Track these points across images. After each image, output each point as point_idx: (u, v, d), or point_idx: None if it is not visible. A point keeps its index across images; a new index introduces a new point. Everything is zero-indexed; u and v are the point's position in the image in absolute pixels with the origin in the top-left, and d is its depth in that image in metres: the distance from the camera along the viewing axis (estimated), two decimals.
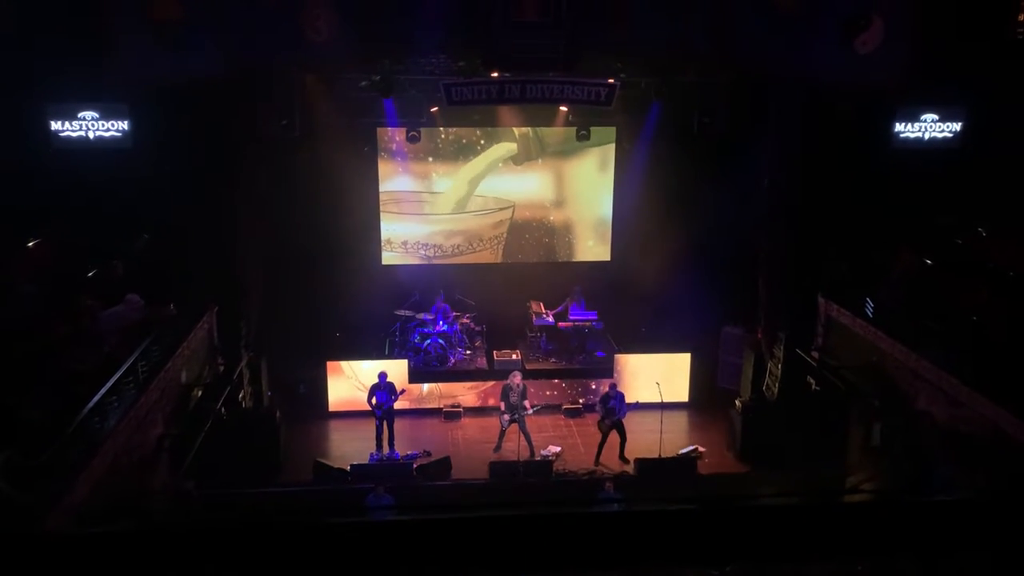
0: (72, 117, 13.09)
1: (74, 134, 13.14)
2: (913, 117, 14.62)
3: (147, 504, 10.35)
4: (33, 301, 10.73)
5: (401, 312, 16.94)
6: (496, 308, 17.35)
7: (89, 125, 13.16)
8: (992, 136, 14.59)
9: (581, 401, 16.08)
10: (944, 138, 14.70)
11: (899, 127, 14.64)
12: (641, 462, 13.53)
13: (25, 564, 3.01)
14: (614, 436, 14.04)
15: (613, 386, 14.44)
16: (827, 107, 13.45)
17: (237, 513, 10.41)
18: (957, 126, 14.70)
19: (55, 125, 13.08)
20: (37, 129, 13.00)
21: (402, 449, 14.40)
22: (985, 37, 14.23)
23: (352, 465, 13.31)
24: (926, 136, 14.69)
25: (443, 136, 17.40)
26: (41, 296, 10.90)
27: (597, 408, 14.36)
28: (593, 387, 16.16)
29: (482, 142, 17.58)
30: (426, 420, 15.75)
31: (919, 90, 14.01)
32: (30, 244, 12.33)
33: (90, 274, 12.31)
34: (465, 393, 16.16)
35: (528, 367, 16.09)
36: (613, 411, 13.92)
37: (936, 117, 14.61)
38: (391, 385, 14.25)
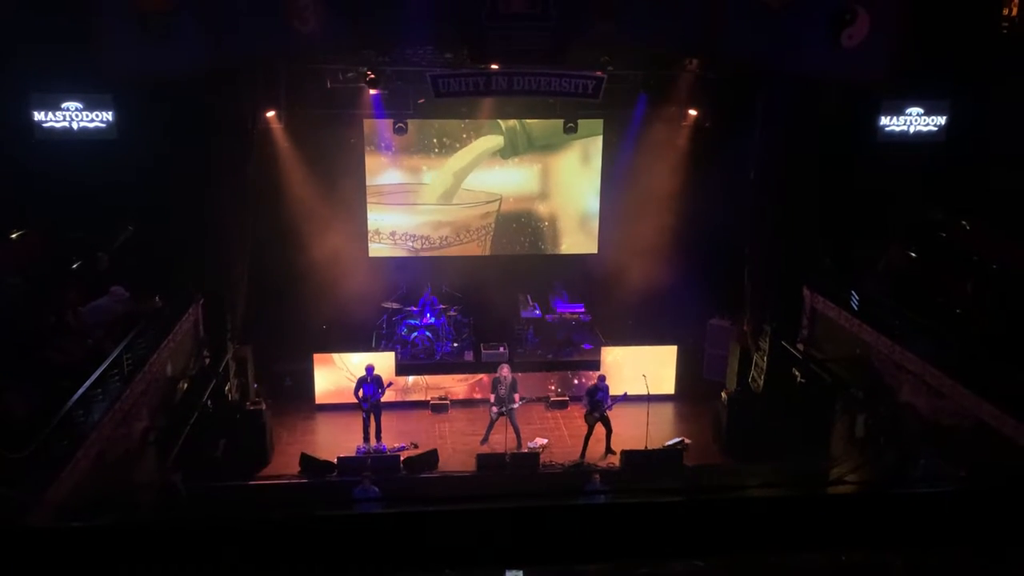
0: (56, 107, 12.95)
1: (58, 125, 12.99)
2: (898, 110, 14.68)
3: (132, 498, 10.31)
4: (17, 293, 10.64)
5: (388, 305, 16.91)
6: (483, 301, 17.35)
7: (73, 116, 13.02)
8: (977, 130, 14.67)
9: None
10: (929, 131, 14.77)
11: (884, 120, 14.70)
12: (627, 454, 13.59)
13: (8, 558, 2.99)
14: (600, 428, 14.08)
15: (601, 378, 14.47)
16: (813, 100, 13.50)
17: (223, 506, 10.39)
18: (942, 119, 14.77)
19: (38, 115, 12.93)
20: (20, 119, 12.85)
21: (389, 442, 14.40)
22: (970, 31, 14.30)
23: (339, 458, 13.31)
24: (911, 130, 14.76)
25: (430, 128, 17.35)
26: (25, 288, 10.81)
27: (584, 401, 14.39)
28: (577, 381, 16.20)
29: (469, 135, 17.54)
30: (413, 412, 15.74)
31: (904, 84, 14.06)
32: (14, 236, 12.22)
33: (75, 266, 12.22)
34: (453, 384, 16.17)
35: (515, 359, 16.10)
36: (600, 404, 13.95)
37: (921, 111, 14.68)
38: (378, 378, 14.24)
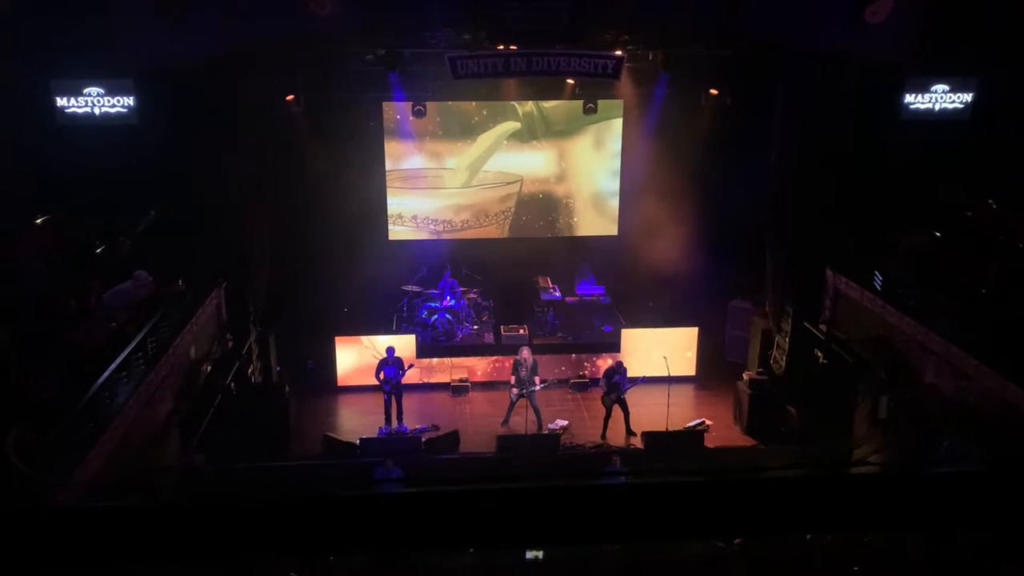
0: (78, 93, 13.04)
1: (80, 110, 13.09)
2: (923, 88, 14.46)
3: (156, 479, 10.43)
4: (41, 278, 10.75)
5: (408, 287, 16.97)
6: (503, 283, 17.36)
7: (95, 101, 13.10)
8: (1004, 106, 14.42)
9: (587, 374, 16.10)
10: (955, 109, 14.54)
11: (909, 98, 14.48)
12: (648, 435, 13.58)
13: (35, 538, 3.04)
14: (618, 411, 14.07)
15: (619, 363, 14.45)
16: (836, 78, 13.31)
17: (246, 487, 10.50)
18: (968, 96, 14.53)
19: (61, 101, 13.03)
20: (42, 105, 12.95)
21: (410, 423, 14.48)
22: (997, 4, 14.01)
23: (361, 439, 13.40)
24: (936, 107, 14.54)
25: (448, 111, 17.31)
26: (49, 273, 10.92)
27: (601, 383, 14.39)
28: (598, 363, 16.19)
29: (487, 117, 17.47)
30: (434, 394, 15.81)
31: (930, 60, 13.82)
32: (37, 221, 12.34)
33: (97, 251, 12.33)
34: (476, 363, 16.19)
35: (535, 342, 16.11)
36: (617, 386, 13.94)
37: (947, 87, 14.44)
38: (399, 360, 14.31)
